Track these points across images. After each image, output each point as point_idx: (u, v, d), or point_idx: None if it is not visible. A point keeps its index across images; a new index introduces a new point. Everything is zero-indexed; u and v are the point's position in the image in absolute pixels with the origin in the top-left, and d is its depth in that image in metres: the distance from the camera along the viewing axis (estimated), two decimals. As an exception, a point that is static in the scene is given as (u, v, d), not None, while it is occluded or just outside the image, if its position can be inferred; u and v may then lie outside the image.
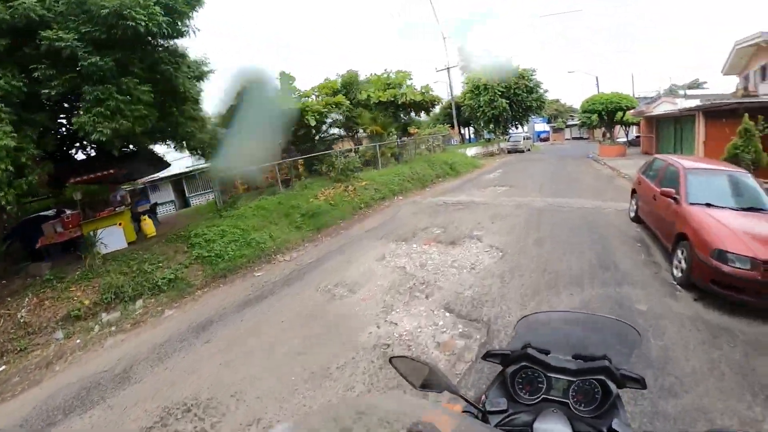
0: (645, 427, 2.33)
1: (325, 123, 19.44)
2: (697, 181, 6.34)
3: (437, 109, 29.23)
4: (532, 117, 54.71)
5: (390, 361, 1.43)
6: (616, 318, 1.73)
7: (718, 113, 15.79)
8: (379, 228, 10.31)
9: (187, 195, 19.65)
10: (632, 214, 8.88)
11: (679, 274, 5.50)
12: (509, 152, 34.40)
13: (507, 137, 36.42)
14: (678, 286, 5.40)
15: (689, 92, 25.38)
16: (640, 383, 1.31)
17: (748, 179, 6.32)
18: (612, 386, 1.25)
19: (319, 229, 10.70)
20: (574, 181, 15.16)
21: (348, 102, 17.30)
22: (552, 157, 27.27)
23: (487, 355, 1.45)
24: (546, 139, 54.40)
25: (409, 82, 19.56)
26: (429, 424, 0.85)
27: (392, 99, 18.19)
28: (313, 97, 17.01)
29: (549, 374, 1.31)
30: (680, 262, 5.53)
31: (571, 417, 1.14)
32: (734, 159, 9.31)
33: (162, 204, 17.02)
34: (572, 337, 1.63)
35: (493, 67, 29.53)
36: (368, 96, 18.39)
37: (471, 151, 30.65)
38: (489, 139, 35.43)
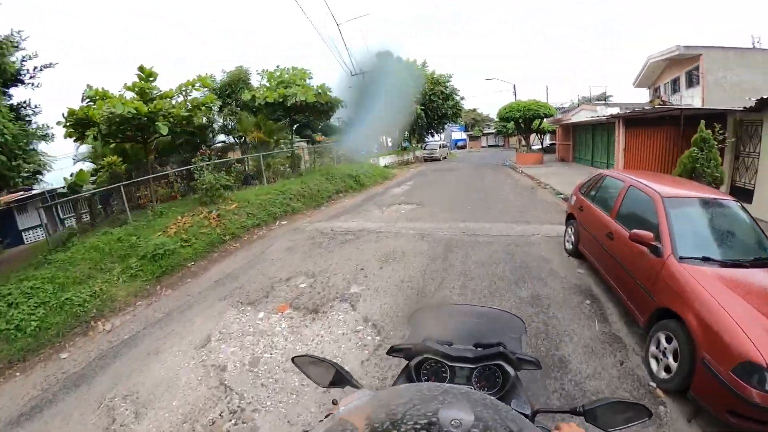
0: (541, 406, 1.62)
1: (211, 128, 15.41)
2: (683, 220, 3.90)
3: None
4: (449, 125, 54.69)
5: (293, 360, 1.39)
6: (502, 309, 1.85)
7: (638, 121, 14.72)
8: (233, 276, 6.90)
9: (61, 218, 14.30)
10: (569, 246, 6.47)
11: (663, 374, 3.27)
12: (425, 160, 32.64)
13: (423, 145, 34.63)
14: (661, 393, 3.22)
15: (609, 101, 25.19)
16: (535, 364, 1.41)
17: (738, 210, 4.14)
18: (509, 369, 1.34)
19: (160, 278, 7.12)
20: (493, 194, 12.81)
21: (220, 103, 13.49)
22: (468, 166, 25.53)
23: (392, 350, 1.50)
24: (463, 147, 54.78)
25: (310, 83, 16.20)
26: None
27: (280, 100, 14.57)
28: (180, 98, 12.81)
29: (451, 364, 1.38)
30: (664, 355, 3.27)
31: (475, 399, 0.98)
32: (691, 174, 7.21)
33: (28, 230, 13.85)
34: (471, 327, 1.67)
35: (404, 70, 27.35)
36: (253, 97, 14.64)
37: (385, 160, 28.03)
38: (405, 147, 33.24)
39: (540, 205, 10.73)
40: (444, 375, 1.39)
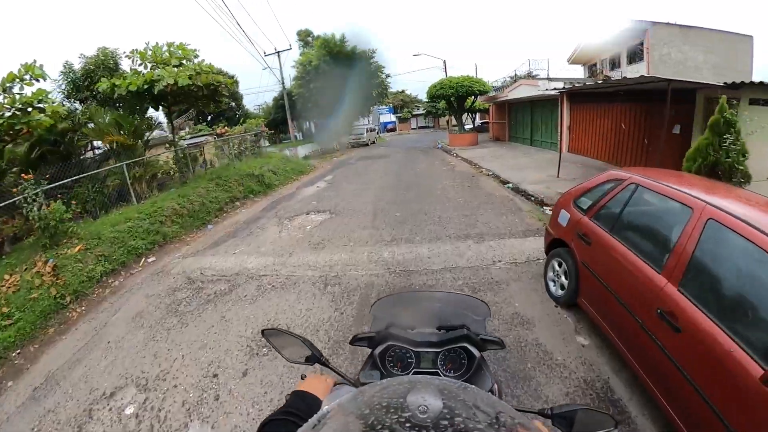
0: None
1: (79, 132, 10.93)
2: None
3: (257, 104, 22.20)
4: (376, 107, 52.00)
5: (262, 333, 1.32)
6: (466, 294, 1.95)
7: (585, 97, 12.96)
8: (55, 381, 3.88)
9: None
10: (557, 291, 4.05)
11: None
12: (353, 146, 29.77)
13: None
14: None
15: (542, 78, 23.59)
16: (499, 344, 1.39)
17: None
18: (474, 351, 1.34)
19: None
20: (428, 189, 10.24)
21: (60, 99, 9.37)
22: (398, 150, 23.02)
23: (355, 340, 1.47)
24: (393, 130, 52.83)
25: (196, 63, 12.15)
26: (306, 393, 1.04)
27: (146, 87, 10.56)
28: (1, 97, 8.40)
29: (415, 349, 1.36)
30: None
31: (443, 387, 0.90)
32: (712, 170, 5.06)
33: None
34: (434, 311, 1.66)
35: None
36: (113, 86, 10.50)
37: (305, 149, 24.65)
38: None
39: (489, 202, 8.34)
40: (410, 360, 1.37)
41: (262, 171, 13.69)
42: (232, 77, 36.51)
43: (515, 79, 20.31)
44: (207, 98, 12.23)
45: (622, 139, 11.51)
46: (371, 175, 13.83)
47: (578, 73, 21.99)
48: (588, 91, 12.10)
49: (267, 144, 26.68)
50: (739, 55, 15.93)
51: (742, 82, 7.17)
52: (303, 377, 1.26)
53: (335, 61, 24.14)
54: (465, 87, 19.48)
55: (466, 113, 23.55)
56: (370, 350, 1.45)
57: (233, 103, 37.09)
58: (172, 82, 10.41)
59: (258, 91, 53.92)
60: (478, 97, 21.67)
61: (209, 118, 36.70)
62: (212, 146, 15.66)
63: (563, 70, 22.48)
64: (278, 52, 28.69)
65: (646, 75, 6.82)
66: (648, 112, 10.40)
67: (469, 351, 1.35)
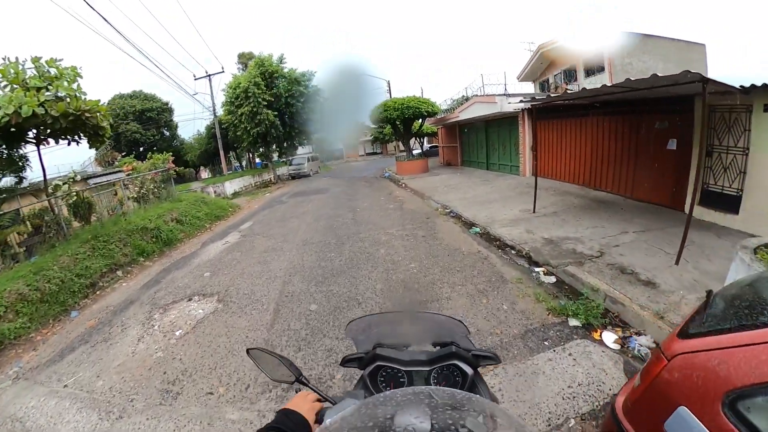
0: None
1: None
2: None
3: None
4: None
5: (247, 352, 1.29)
6: (442, 314, 1.59)
7: (548, 113, 10.99)
8: None
9: None
10: None
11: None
12: (293, 177, 26.89)
13: (289, 160, 28.65)
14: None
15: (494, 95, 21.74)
16: (493, 359, 1.30)
17: None
18: (465, 368, 1.25)
19: None
20: (368, 245, 7.43)
21: None
22: (341, 181, 20.28)
23: (345, 361, 1.42)
24: (340, 157, 50.23)
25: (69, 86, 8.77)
26: (292, 411, 1.01)
27: None
28: None
29: (406, 369, 1.30)
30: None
31: (434, 404, 0.85)
32: None
33: None
34: (423, 330, 1.57)
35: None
36: None
37: (235, 184, 21.36)
38: (266, 164, 26.73)
39: (455, 268, 5.66)
40: (402, 380, 1.30)
41: (160, 222, 10.41)
42: (166, 104, 32.78)
43: (466, 98, 18.37)
44: (70, 131, 8.91)
45: (601, 158, 9.44)
46: (298, 220, 10.86)
47: (530, 89, 20.58)
48: (556, 105, 10.04)
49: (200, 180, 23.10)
50: (694, 63, 14.94)
51: (753, 86, 5.20)
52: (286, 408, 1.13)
53: (268, 85, 21.30)
54: (411, 108, 17.20)
55: (413, 138, 21.38)
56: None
57: (167, 132, 33.17)
58: (11, 111, 7.26)
59: (191, 118, 49.52)
60: (427, 119, 19.55)
61: (141, 149, 32.59)
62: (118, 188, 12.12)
63: (513, 86, 21.05)
64: (209, 76, 25.63)
65: (659, 75, 4.54)
66: (634, 124, 8.38)
67: (461, 368, 1.26)
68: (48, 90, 8.10)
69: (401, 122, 18.39)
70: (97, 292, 7.17)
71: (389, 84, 23.17)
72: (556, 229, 6.73)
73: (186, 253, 9.12)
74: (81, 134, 9.26)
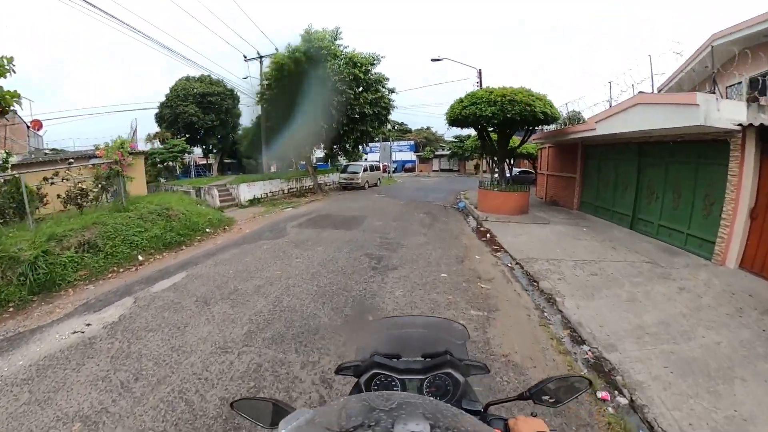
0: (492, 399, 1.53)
1: None
2: None
3: None
4: (393, 142, 43.95)
5: (231, 406, 1.23)
6: (442, 317, 1.70)
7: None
8: None
9: None
10: None
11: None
12: (344, 188, 21.65)
13: (344, 166, 23.41)
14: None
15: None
16: (483, 369, 1.36)
17: None
18: (458, 376, 1.30)
19: None
20: None
21: None
22: (391, 207, 13.99)
23: (340, 369, 1.42)
24: (411, 170, 45.13)
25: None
26: None
27: None
28: None
29: (400, 377, 1.33)
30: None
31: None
32: None
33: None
34: (417, 337, 1.58)
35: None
36: None
37: (254, 188, 16.35)
38: (315, 167, 21.68)
39: None
40: (395, 388, 1.32)
41: (49, 247, 5.47)
42: (231, 90, 29.52)
43: (609, 103, 11.17)
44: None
45: None
46: (236, 310, 5.02)
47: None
48: None
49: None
50: None
51: None
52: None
53: (314, 65, 15.99)
54: (519, 105, 10.29)
55: (511, 156, 14.78)
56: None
57: (228, 119, 29.92)
58: None
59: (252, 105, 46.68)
60: (544, 123, 12.36)
61: (197, 135, 29.83)
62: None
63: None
64: (261, 57, 21.41)
65: None
66: None
67: (453, 377, 1.30)
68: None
69: (498, 125, 11.65)
70: None
71: (480, 74, 16.78)
72: None
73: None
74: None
